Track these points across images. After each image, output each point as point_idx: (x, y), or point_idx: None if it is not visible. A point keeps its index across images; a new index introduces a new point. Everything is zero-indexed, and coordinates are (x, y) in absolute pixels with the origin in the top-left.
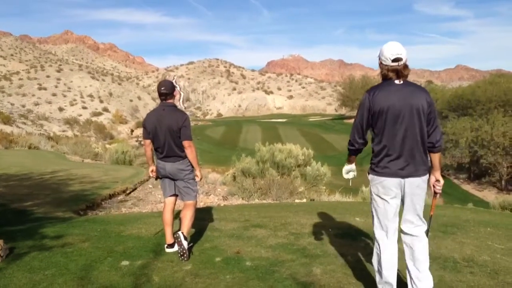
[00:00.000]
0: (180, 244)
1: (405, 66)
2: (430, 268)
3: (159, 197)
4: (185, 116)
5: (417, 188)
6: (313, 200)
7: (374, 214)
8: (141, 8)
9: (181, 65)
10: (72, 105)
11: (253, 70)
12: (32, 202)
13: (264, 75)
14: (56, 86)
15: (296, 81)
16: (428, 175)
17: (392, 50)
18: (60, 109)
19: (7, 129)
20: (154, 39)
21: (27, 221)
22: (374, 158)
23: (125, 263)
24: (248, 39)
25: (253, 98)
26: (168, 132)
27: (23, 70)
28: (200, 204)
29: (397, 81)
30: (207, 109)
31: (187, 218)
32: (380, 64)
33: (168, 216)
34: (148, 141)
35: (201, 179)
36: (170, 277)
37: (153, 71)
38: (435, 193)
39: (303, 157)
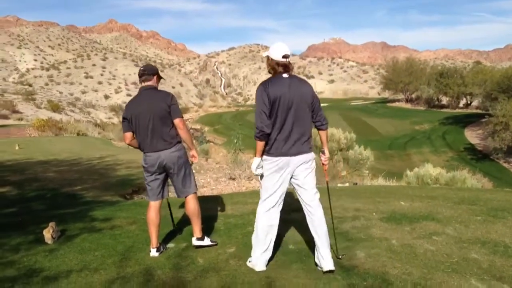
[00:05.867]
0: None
1: (290, 62)
2: (479, 253)
3: (202, 181)
4: (170, 94)
5: (305, 163)
6: (356, 184)
7: (264, 190)
8: None
9: (222, 51)
10: (117, 92)
11: (293, 55)
12: (82, 186)
13: (305, 59)
14: (101, 74)
15: (338, 65)
16: (312, 153)
17: (282, 48)
18: (106, 97)
19: (57, 116)
20: (195, 26)
21: (77, 204)
22: (269, 141)
23: (170, 245)
24: (289, 23)
25: None
26: (156, 115)
27: (70, 59)
28: (242, 189)
29: (285, 75)
30: (248, 95)
31: (196, 214)
32: (270, 60)
33: (155, 216)
34: (129, 134)
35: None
36: (214, 259)
37: (194, 58)
38: (323, 164)
39: (345, 141)
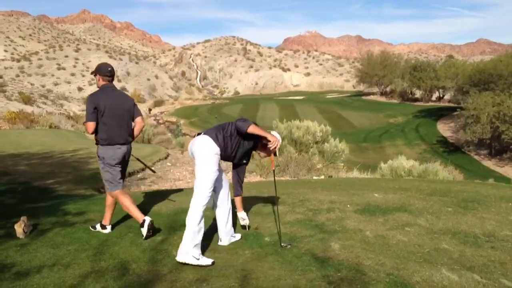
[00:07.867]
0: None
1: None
2: (450, 243)
3: (178, 174)
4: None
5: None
6: (331, 176)
7: None
8: None
9: (198, 43)
10: (90, 84)
11: (269, 48)
12: (54, 180)
13: (281, 52)
14: (74, 66)
15: (313, 58)
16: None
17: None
18: (79, 89)
19: (28, 109)
20: (171, 17)
21: (49, 198)
22: None
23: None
24: (265, 16)
25: (270, 75)
26: (127, 111)
27: (42, 50)
28: None
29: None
30: (224, 87)
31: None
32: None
33: (129, 197)
34: (94, 124)
35: None
36: None
37: (169, 50)
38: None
39: (321, 134)
